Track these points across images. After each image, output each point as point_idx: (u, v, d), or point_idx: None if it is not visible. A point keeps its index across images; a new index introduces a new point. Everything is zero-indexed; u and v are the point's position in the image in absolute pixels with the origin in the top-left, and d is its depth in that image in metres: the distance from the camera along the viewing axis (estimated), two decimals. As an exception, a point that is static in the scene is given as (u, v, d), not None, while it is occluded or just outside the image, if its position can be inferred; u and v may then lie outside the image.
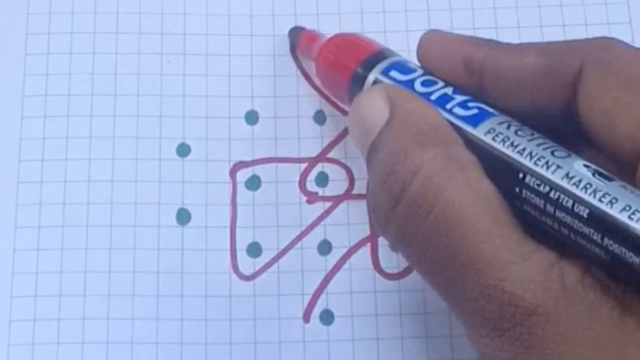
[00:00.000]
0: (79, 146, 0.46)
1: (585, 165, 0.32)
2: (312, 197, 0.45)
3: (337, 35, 0.44)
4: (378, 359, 0.43)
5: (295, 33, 0.47)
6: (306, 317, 0.44)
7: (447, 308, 0.35)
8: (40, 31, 0.48)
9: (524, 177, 0.32)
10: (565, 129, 0.35)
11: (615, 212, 0.29)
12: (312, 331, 0.44)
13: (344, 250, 0.45)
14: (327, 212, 0.45)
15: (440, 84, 0.37)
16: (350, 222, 0.45)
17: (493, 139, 0.34)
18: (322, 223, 0.45)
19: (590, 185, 0.30)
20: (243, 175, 0.46)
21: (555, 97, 0.35)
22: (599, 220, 0.30)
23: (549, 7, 0.48)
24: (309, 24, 0.48)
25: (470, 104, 0.36)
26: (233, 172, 0.46)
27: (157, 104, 0.47)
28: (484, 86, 0.37)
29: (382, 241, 0.45)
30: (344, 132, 0.46)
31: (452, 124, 0.35)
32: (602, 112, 0.33)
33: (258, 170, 0.46)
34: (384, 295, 0.44)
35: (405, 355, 0.43)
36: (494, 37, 0.47)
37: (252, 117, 0.47)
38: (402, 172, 0.33)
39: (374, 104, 0.36)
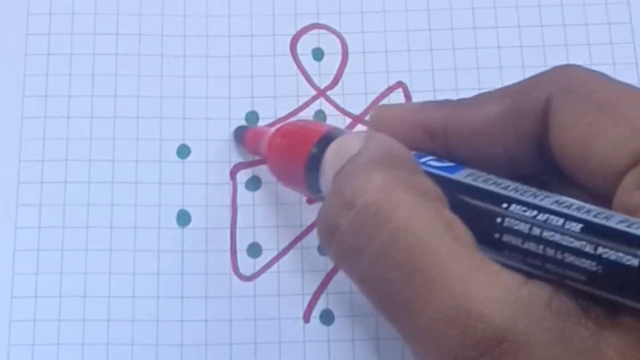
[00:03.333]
0: (79, 147, 0.46)
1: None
2: (312, 197, 0.45)
3: (283, 125, 0.43)
4: (378, 358, 0.43)
5: (240, 132, 0.46)
6: (306, 317, 0.44)
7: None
8: (40, 32, 0.48)
9: (508, 206, 0.31)
10: (539, 172, 0.34)
11: (612, 223, 0.29)
12: (312, 331, 0.44)
13: (344, 250, 0.45)
14: (327, 212, 0.45)
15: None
16: (351, 222, 0.45)
17: (474, 180, 0.33)
18: (322, 223, 0.45)
19: (583, 206, 0.30)
20: (243, 176, 0.46)
21: (527, 139, 0.33)
22: (593, 231, 0.29)
23: (549, 7, 0.48)
24: (308, 23, 0.48)
25: (445, 160, 0.35)
26: (233, 173, 0.46)
27: (157, 105, 0.47)
28: (451, 148, 0.35)
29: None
30: (344, 132, 0.46)
31: (428, 173, 0.33)
32: (577, 140, 0.31)
33: (258, 170, 0.46)
34: (384, 295, 0.44)
35: (405, 355, 0.43)
36: (494, 38, 0.48)
37: (252, 118, 0.47)
38: (360, 179, 0.31)
39: (349, 141, 0.35)
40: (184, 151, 0.46)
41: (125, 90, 0.47)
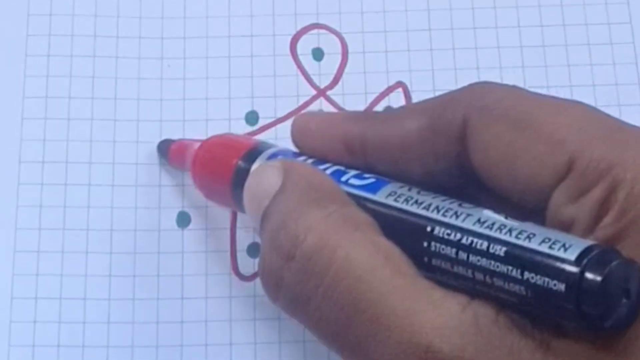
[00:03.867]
0: (79, 149, 0.46)
1: (495, 212, 0.30)
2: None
3: (208, 139, 0.42)
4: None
5: (164, 146, 0.46)
6: (306, 317, 0.44)
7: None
8: (40, 33, 0.48)
9: (432, 230, 0.30)
10: (462, 185, 0.33)
11: (534, 245, 0.28)
12: (312, 331, 0.44)
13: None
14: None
15: (330, 163, 0.36)
16: (351, 222, 0.45)
17: (395, 200, 0.32)
18: (323, 223, 0.45)
19: (505, 225, 0.29)
20: (243, 176, 0.46)
21: (445, 156, 0.33)
22: (518, 256, 0.28)
23: (549, 7, 0.49)
24: (308, 23, 0.48)
25: (366, 175, 0.34)
26: (233, 173, 0.46)
27: (158, 107, 0.47)
28: (369, 161, 0.35)
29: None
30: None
31: (349, 194, 0.33)
32: (499, 160, 0.31)
33: (258, 171, 0.46)
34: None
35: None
36: (494, 38, 0.48)
37: (252, 118, 0.47)
38: (295, 229, 0.31)
39: (266, 175, 0.34)
40: (184, 153, 0.46)
41: (125, 93, 0.47)
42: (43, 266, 0.44)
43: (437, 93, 0.46)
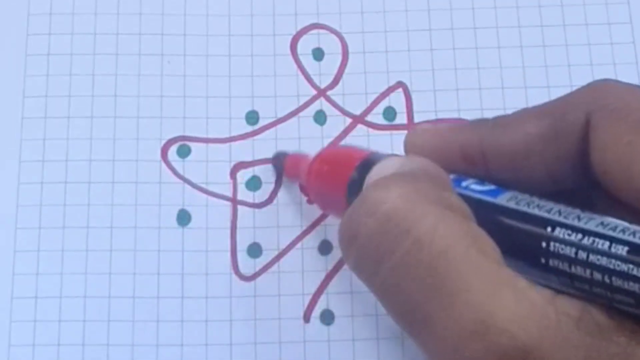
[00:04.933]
0: (79, 147, 0.46)
1: (619, 218, 0.30)
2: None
3: (322, 150, 0.42)
4: (378, 359, 0.43)
5: (280, 158, 0.46)
6: (306, 317, 0.44)
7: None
8: (40, 32, 0.48)
9: (553, 229, 0.30)
10: (583, 189, 0.33)
11: None
12: (312, 331, 0.44)
13: (345, 250, 0.45)
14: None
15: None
16: (351, 222, 0.45)
17: (517, 203, 0.32)
18: (323, 223, 0.45)
19: (628, 228, 0.29)
20: (243, 175, 0.46)
21: (568, 157, 0.33)
22: None
23: (550, 7, 0.49)
24: (308, 23, 0.48)
25: (486, 182, 0.34)
26: (233, 173, 0.46)
27: (158, 105, 0.47)
28: (490, 170, 0.34)
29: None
30: (345, 132, 0.46)
31: (470, 199, 0.33)
32: (617, 159, 0.31)
33: (258, 170, 0.46)
34: (385, 295, 0.44)
35: (405, 355, 0.43)
36: (494, 38, 0.48)
37: (252, 117, 0.47)
38: (383, 189, 0.31)
39: (386, 163, 0.34)
40: (184, 151, 0.46)
41: (125, 90, 0.47)
42: (43, 266, 0.44)
43: (437, 93, 0.47)
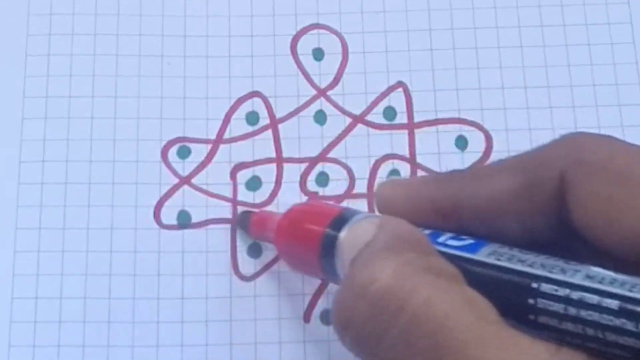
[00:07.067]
0: (79, 148, 0.46)
1: (603, 268, 0.29)
2: (312, 197, 0.45)
3: (291, 208, 0.40)
4: (379, 359, 0.43)
5: (245, 217, 0.45)
6: (307, 317, 0.44)
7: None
8: (40, 32, 0.48)
9: (538, 286, 0.29)
10: (562, 240, 0.33)
11: None
12: (312, 331, 0.44)
13: (345, 250, 0.45)
14: (327, 213, 0.45)
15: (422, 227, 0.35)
16: (351, 222, 0.45)
17: (497, 258, 0.31)
18: (323, 223, 0.45)
19: (615, 280, 0.28)
20: (243, 176, 0.46)
21: (543, 212, 0.32)
22: (632, 308, 0.27)
23: (550, 7, 0.49)
24: (308, 23, 0.48)
25: (462, 237, 0.33)
26: (233, 173, 0.46)
27: (158, 106, 0.47)
28: (462, 223, 0.34)
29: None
30: (345, 132, 0.46)
31: (447, 255, 0.32)
32: (599, 214, 0.31)
33: (258, 170, 0.46)
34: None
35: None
36: (494, 38, 0.48)
37: (252, 118, 0.47)
38: (371, 269, 0.30)
39: (362, 228, 0.33)
40: (184, 151, 0.46)
41: (125, 91, 0.47)
42: (43, 266, 0.44)
43: (437, 93, 0.47)
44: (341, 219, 0.35)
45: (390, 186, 0.36)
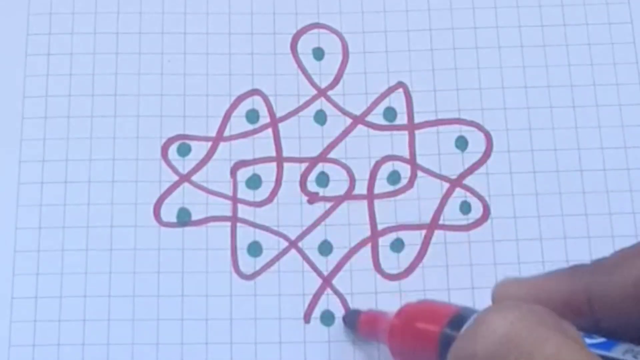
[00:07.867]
0: (79, 147, 0.46)
1: None
2: (312, 197, 0.46)
3: (403, 307, 0.40)
4: (378, 359, 0.43)
5: (353, 316, 0.44)
6: (307, 318, 0.44)
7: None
8: (40, 32, 0.48)
9: None
10: None
11: None
12: (312, 331, 0.44)
13: (345, 250, 0.45)
14: (327, 212, 0.45)
15: None
16: (351, 223, 0.45)
17: (634, 357, 0.30)
18: (323, 223, 0.45)
19: None
20: (243, 174, 0.46)
21: None
22: None
23: (550, 7, 0.49)
24: (309, 22, 0.48)
25: (595, 336, 0.32)
26: (234, 171, 0.46)
27: (158, 103, 0.47)
28: (598, 317, 0.32)
29: (382, 241, 0.45)
30: (345, 132, 0.46)
31: None
32: None
33: (259, 169, 0.46)
34: (385, 296, 0.44)
35: (405, 356, 0.43)
36: (494, 38, 0.48)
37: (252, 116, 0.47)
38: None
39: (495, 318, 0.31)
40: (184, 149, 0.46)
41: (125, 89, 0.47)
42: (43, 266, 0.44)
43: (437, 93, 0.47)
44: (460, 318, 0.34)
45: (515, 285, 0.34)
